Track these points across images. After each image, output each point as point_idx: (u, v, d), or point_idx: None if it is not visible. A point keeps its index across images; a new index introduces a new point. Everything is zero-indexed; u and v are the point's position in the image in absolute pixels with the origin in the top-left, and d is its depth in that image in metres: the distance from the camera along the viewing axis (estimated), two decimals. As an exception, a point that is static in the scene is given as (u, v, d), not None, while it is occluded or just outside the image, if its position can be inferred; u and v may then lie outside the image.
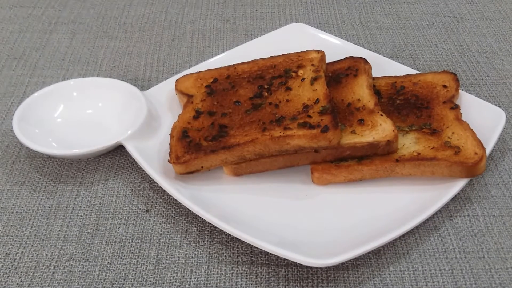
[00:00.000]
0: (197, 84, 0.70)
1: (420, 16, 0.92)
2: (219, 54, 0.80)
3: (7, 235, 0.58)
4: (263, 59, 0.72)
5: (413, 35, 0.87)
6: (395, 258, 0.55)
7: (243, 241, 0.56)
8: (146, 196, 0.62)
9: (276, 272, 0.54)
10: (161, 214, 0.60)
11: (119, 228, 0.59)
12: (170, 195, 0.60)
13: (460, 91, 0.68)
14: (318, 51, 0.71)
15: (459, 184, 0.58)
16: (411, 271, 0.54)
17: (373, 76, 0.70)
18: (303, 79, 0.66)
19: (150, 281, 0.54)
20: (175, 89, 0.70)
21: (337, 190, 0.60)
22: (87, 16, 0.93)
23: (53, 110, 0.69)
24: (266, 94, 0.66)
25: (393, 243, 0.56)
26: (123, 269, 0.55)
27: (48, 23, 0.91)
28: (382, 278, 0.53)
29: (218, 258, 0.56)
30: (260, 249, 0.56)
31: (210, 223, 0.58)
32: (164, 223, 0.59)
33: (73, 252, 0.56)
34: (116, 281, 0.54)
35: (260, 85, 0.67)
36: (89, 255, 0.56)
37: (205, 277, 0.54)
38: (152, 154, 0.63)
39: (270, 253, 0.55)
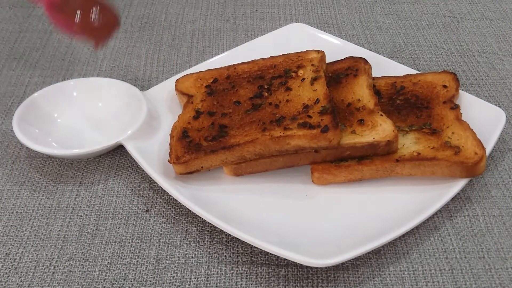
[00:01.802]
0: (197, 84, 0.70)
1: (420, 16, 0.92)
2: (219, 54, 0.80)
3: (7, 235, 0.58)
4: (263, 59, 0.72)
5: (413, 35, 0.87)
6: (395, 258, 0.55)
7: (243, 241, 0.56)
8: (146, 196, 0.62)
9: (276, 272, 0.54)
10: (161, 214, 0.60)
11: (119, 228, 0.59)
12: (170, 195, 0.60)
13: (460, 91, 0.68)
14: (318, 51, 0.71)
15: (459, 184, 0.58)
16: (411, 271, 0.54)
17: (373, 76, 0.70)
18: (303, 79, 0.66)
19: (150, 281, 0.54)
20: (175, 89, 0.70)
21: (337, 190, 0.60)
22: (87, 16, 0.93)
23: (53, 110, 0.69)
24: (266, 94, 0.66)
25: (393, 243, 0.56)
26: (123, 269, 0.55)
27: (48, 23, 0.91)
28: (382, 278, 0.53)
29: (218, 258, 0.56)
30: (260, 249, 0.56)
31: (210, 223, 0.58)
32: (164, 223, 0.59)
33: (73, 252, 0.56)
34: (116, 281, 0.54)
35: (260, 85, 0.67)
36: (89, 255, 0.56)
37: (205, 277, 0.54)
38: (152, 154, 0.63)
39: (270, 253, 0.55)
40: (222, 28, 0.90)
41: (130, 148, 0.63)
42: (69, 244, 0.57)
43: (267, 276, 0.54)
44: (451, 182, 0.58)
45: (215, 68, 0.72)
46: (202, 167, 0.60)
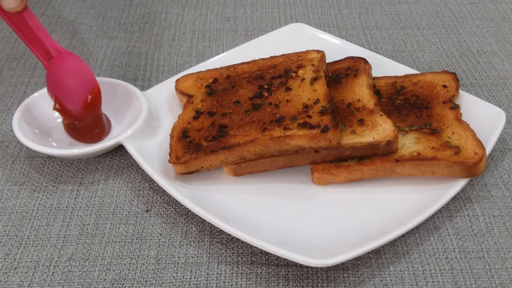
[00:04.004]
0: (197, 84, 0.70)
1: (420, 16, 0.92)
2: (219, 54, 0.80)
3: (7, 235, 0.58)
4: (263, 59, 0.72)
5: (413, 35, 0.87)
6: (395, 258, 0.55)
7: (243, 241, 0.56)
8: (146, 196, 0.62)
9: (276, 272, 0.54)
10: (161, 214, 0.60)
11: (119, 228, 0.59)
12: (170, 195, 0.60)
13: (460, 91, 0.68)
14: (318, 51, 0.71)
15: (459, 184, 0.58)
16: (411, 271, 0.54)
17: (373, 76, 0.70)
18: (303, 79, 0.66)
19: (150, 281, 0.54)
20: (175, 89, 0.70)
21: (337, 190, 0.60)
22: (87, 16, 0.93)
23: (53, 110, 0.69)
24: (266, 94, 0.66)
25: (393, 243, 0.56)
26: (123, 269, 0.55)
27: (48, 23, 0.91)
28: (382, 278, 0.53)
29: (218, 258, 0.56)
30: (260, 249, 0.56)
31: (210, 223, 0.58)
32: (164, 223, 0.59)
33: (73, 252, 0.56)
34: (116, 281, 0.54)
35: (260, 85, 0.67)
36: (89, 255, 0.56)
37: (205, 277, 0.54)
38: (152, 154, 0.63)
39: (270, 253, 0.55)
40: (222, 28, 0.90)
41: (130, 148, 0.63)
42: (69, 244, 0.57)
43: (267, 276, 0.54)
44: (451, 182, 0.58)
45: (215, 68, 0.72)
46: (202, 167, 0.60)
